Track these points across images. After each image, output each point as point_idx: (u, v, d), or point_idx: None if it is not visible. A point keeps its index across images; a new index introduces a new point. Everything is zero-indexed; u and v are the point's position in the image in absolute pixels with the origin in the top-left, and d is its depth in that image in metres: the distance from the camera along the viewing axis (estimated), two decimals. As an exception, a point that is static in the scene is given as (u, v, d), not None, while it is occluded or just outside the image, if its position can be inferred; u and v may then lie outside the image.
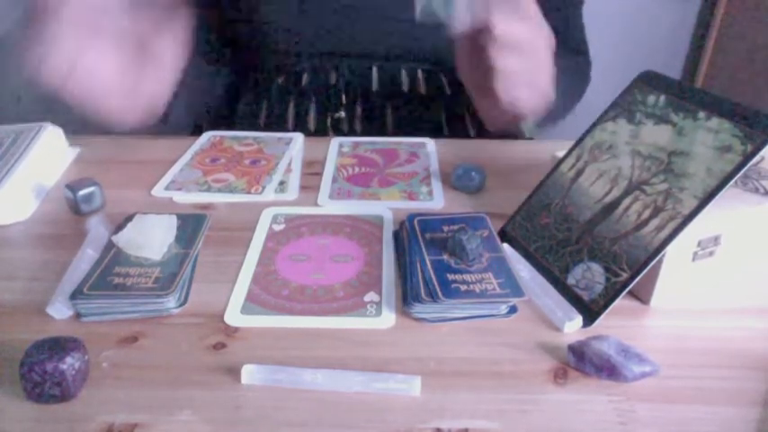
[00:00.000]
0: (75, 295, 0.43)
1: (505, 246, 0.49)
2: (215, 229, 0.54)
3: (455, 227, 0.50)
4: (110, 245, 0.49)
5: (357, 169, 0.64)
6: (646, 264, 0.41)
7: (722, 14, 1.31)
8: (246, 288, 0.46)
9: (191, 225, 0.52)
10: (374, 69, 0.77)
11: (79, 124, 0.58)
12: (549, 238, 0.48)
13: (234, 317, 0.44)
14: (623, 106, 0.49)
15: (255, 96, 0.82)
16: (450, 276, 0.45)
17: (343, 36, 0.75)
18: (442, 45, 0.77)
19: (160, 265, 0.47)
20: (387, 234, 0.53)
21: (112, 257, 0.47)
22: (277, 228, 0.54)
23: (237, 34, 0.80)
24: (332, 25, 0.75)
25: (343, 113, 0.78)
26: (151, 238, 0.48)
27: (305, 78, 0.78)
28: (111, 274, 0.45)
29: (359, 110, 0.77)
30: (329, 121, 0.78)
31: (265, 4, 0.75)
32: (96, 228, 0.52)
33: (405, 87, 0.78)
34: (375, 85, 0.77)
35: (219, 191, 0.60)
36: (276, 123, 0.79)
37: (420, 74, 0.78)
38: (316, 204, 0.58)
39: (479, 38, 0.52)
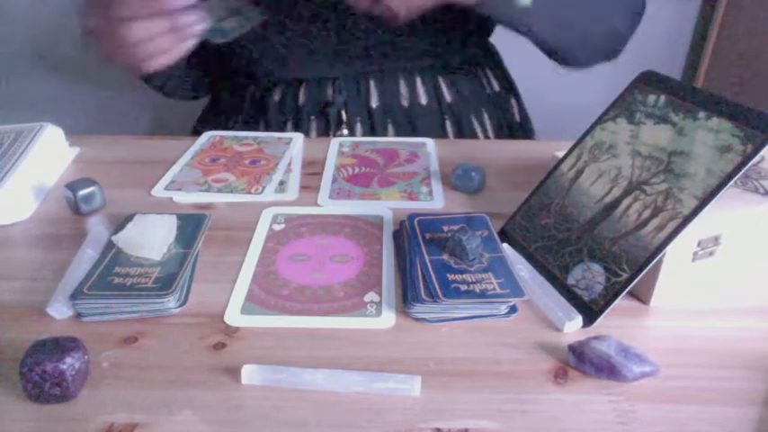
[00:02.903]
0: (76, 295, 0.43)
1: (505, 246, 0.49)
2: (215, 229, 0.54)
3: (455, 227, 0.50)
4: (110, 245, 0.49)
5: (357, 169, 0.64)
6: (646, 264, 0.41)
7: (722, 14, 1.31)
8: (246, 288, 0.46)
9: (191, 225, 0.52)
10: (372, 84, 0.76)
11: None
12: (549, 238, 0.48)
13: (234, 317, 0.44)
14: (623, 106, 0.49)
15: (254, 113, 0.80)
16: (451, 276, 0.45)
17: (336, 54, 0.74)
18: (435, 48, 0.76)
19: (160, 265, 0.47)
20: (386, 234, 0.53)
21: (112, 257, 0.47)
22: (277, 228, 0.54)
23: (232, 58, 0.79)
24: (323, 45, 0.73)
25: (345, 131, 0.77)
26: (151, 238, 0.48)
27: (301, 98, 0.76)
28: (111, 274, 0.45)
29: (360, 128, 0.76)
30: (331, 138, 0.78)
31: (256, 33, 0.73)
32: (96, 228, 0.52)
33: (405, 101, 0.76)
34: (375, 101, 0.76)
35: (219, 191, 0.60)
36: None
37: (419, 83, 0.77)
38: (316, 204, 0.58)
39: None
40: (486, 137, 0.80)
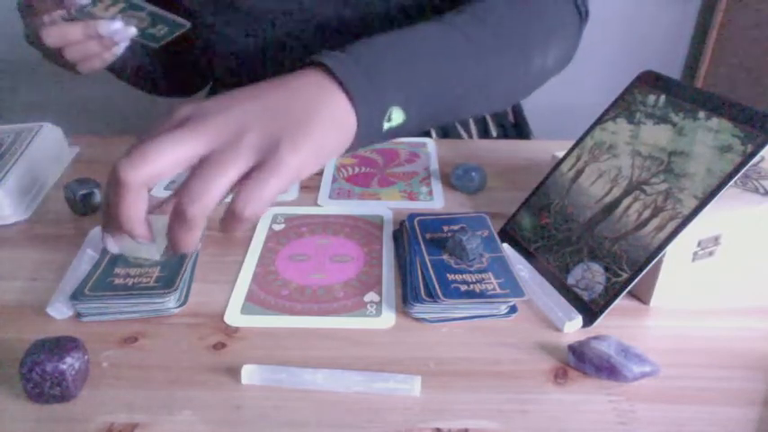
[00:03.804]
0: (76, 295, 0.43)
1: (505, 246, 0.49)
2: (215, 229, 0.53)
3: (455, 227, 0.50)
4: (110, 245, 0.49)
5: (357, 169, 0.64)
6: (646, 264, 0.41)
7: (722, 14, 1.31)
8: (246, 288, 0.46)
9: (191, 225, 0.52)
10: None
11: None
12: (549, 238, 0.48)
13: (234, 317, 0.44)
14: (623, 106, 0.49)
15: None
16: (450, 276, 0.45)
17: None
18: None
19: (160, 265, 0.47)
20: (387, 234, 0.53)
21: (112, 257, 0.47)
22: (277, 228, 0.54)
23: (214, 65, 0.78)
24: (299, 56, 0.71)
25: None
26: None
27: None
28: (111, 275, 0.45)
29: None
30: None
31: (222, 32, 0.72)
32: (96, 228, 0.52)
33: None
34: None
35: (219, 191, 0.60)
36: None
37: None
38: (316, 204, 0.58)
39: None
40: (470, 138, 0.80)
